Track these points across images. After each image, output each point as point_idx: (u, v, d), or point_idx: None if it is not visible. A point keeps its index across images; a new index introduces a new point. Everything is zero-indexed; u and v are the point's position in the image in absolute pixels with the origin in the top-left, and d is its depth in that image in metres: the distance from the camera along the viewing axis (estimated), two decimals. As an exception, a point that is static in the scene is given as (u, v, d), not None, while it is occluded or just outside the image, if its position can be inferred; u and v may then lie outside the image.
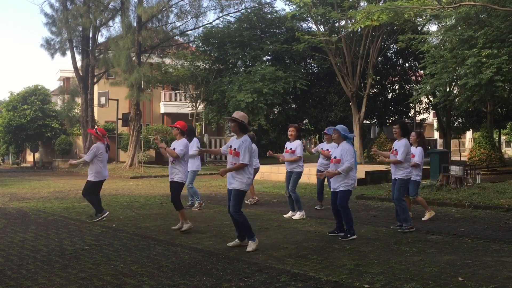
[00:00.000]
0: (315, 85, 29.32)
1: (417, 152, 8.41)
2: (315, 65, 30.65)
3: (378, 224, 8.32)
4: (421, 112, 31.37)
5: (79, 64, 27.06)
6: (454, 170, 12.37)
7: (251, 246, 6.19)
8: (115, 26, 36.42)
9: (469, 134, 39.77)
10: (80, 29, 26.31)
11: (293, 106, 30.08)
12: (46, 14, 26.66)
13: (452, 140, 28.94)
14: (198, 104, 28.55)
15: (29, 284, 4.80)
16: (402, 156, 7.60)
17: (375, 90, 28.90)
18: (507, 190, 11.58)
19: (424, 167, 9.00)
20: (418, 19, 21.79)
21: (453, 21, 17.15)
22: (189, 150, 9.87)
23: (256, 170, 10.62)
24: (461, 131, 31.42)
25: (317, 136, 31.56)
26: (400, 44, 21.34)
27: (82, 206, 10.78)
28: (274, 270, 5.22)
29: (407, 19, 19.66)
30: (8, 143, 33.85)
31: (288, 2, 26.90)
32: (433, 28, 30.74)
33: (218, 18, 29.07)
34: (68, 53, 26.73)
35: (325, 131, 9.56)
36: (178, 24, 25.92)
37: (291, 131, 9.17)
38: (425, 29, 24.77)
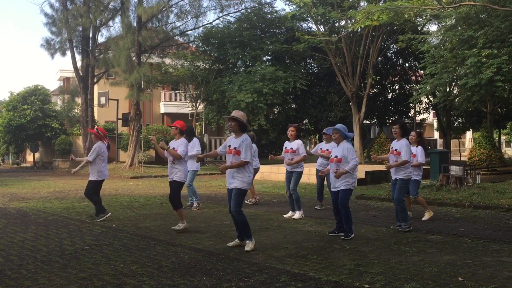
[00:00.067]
0: (315, 85, 29.33)
1: (418, 151, 8.46)
2: (315, 65, 30.65)
3: (378, 224, 8.32)
4: (421, 112, 31.37)
5: (79, 64, 27.06)
6: (454, 170, 12.37)
7: (249, 245, 6.20)
8: (115, 26, 36.43)
9: (469, 134, 39.78)
10: (80, 29, 26.30)
11: (293, 106, 30.09)
12: (46, 14, 26.67)
13: (452, 140, 28.95)
14: (198, 104, 28.56)
15: (29, 284, 4.80)
16: (408, 155, 7.65)
17: (375, 90, 28.90)
18: (507, 190, 11.58)
19: (424, 167, 9.02)
20: (418, 19, 21.79)
21: (453, 21, 17.14)
22: (191, 150, 9.91)
23: (256, 170, 10.63)
24: (461, 131, 31.42)
25: (317, 136, 31.56)
26: (400, 44, 21.34)
27: (82, 206, 10.78)
28: (274, 270, 5.22)
29: (407, 19, 19.67)
30: (8, 143, 33.86)
31: (288, 2, 26.91)
32: (433, 28, 30.77)
33: (218, 18, 29.11)
34: (68, 53, 26.75)
35: (324, 131, 9.56)
36: (178, 24, 25.96)
37: (290, 131, 9.16)
38: (425, 29, 24.77)
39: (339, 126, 7.25)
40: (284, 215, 9.15)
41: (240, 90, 24.00)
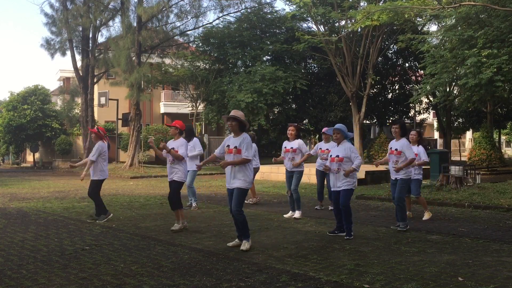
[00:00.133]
0: (315, 85, 29.32)
1: (420, 150, 8.55)
2: (315, 65, 30.64)
3: (378, 224, 8.32)
4: (421, 112, 31.35)
5: (79, 64, 27.06)
6: (454, 170, 12.37)
7: (245, 245, 6.21)
8: (115, 26, 36.45)
9: (469, 134, 39.77)
10: (80, 29, 26.31)
11: (293, 106, 30.08)
12: (46, 14, 26.68)
13: (452, 140, 28.93)
14: (198, 104, 28.56)
15: (29, 284, 4.80)
16: (413, 154, 7.72)
17: (375, 90, 28.89)
18: (507, 190, 11.58)
19: (424, 167, 9.05)
20: (418, 19, 21.78)
21: (453, 21, 17.14)
22: (192, 150, 9.93)
23: (256, 170, 10.62)
24: (461, 131, 31.41)
25: (317, 136, 31.56)
26: (400, 44, 21.34)
27: (82, 206, 10.78)
28: (274, 270, 5.22)
29: (407, 19, 19.65)
30: (8, 143, 33.86)
31: (288, 2, 26.90)
32: (433, 28, 30.79)
33: (218, 18, 29.11)
34: (68, 53, 26.75)
35: (324, 132, 9.56)
36: (178, 24, 25.97)
37: (290, 131, 9.16)
38: (425, 29, 24.77)
39: (340, 126, 7.27)
40: (284, 215, 9.15)
41: (240, 90, 24.00)
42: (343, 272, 5.16)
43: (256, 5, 27.39)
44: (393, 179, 7.81)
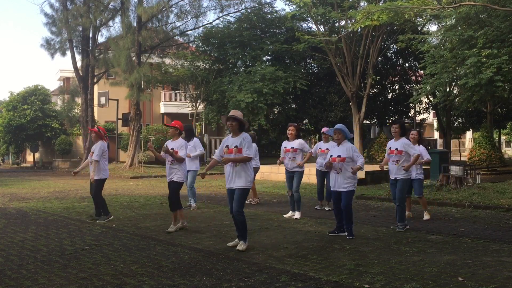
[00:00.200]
0: (315, 85, 29.32)
1: (421, 150, 8.62)
2: (315, 65, 30.64)
3: (378, 224, 8.32)
4: (421, 112, 31.35)
5: (79, 64, 27.06)
6: (454, 170, 12.37)
7: (241, 246, 6.21)
8: (115, 26, 36.45)
9: (469, 134, 39.75)
10: (80, 29, 26.31)
11: (293, 106, 30.07)
12: (46, 14, 26.68)
13: (452, 140, 28.92)
14: (198, 104, 28.56)
15: (29, 284, 4.80)
16: (417, 151, 7.87)
17: (375, 90, 28.88)
18: (507, 190, 11.59)
19: (424, 167, 9.07)
20: (418, 19, 21.77)
21: (453, 21, 17.13)
22: (192, 150, 9.93)
23: (256, 170, 10.62)
24: (461, 131, 31.39)
25: (317, 136, 31.55)
26: (400, 44, 21.34)
27: (82, 206, 10.79)
28: (274, 270, 5.22)
29: (407, 19, 19.65)
30: (8, 143, 33.86)
31: (288, 2, 26.90)
32: (433, 28, 30.75)
33: (218, 18, 29.11)
34: (68, 53, 26.76)
35: (325, 132, 9.54)
36: (178, 24, 25.98)
37: (290, 130, 9.15)
38: (425, 29, 24.76)
39: (341, 126, 7.27)
40: (284, 215, 9.15)
41: (240, 90, 24.00)
42: (343, 272, 5.16)
43: (256, 5, 27.40)
44: (393, 178, 7.80)
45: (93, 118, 26.98)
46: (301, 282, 4.77)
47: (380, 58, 26.11)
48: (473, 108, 23.20)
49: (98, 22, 25.73)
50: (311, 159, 10.00)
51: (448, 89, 21.44)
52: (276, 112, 29.50)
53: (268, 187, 14.87)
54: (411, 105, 28.85)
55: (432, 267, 5.34)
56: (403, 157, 7.64)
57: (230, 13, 27.01)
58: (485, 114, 25.21)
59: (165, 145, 7.63)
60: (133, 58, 23.79)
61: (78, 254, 6.04)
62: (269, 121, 28.00)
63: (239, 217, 6.21)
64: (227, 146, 6.33)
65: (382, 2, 22.24)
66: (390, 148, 7.83)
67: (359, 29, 22.60)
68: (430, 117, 39.12)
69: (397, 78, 30.27)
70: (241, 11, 27.21)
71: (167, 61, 28.33)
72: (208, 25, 27.11)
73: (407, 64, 29.85)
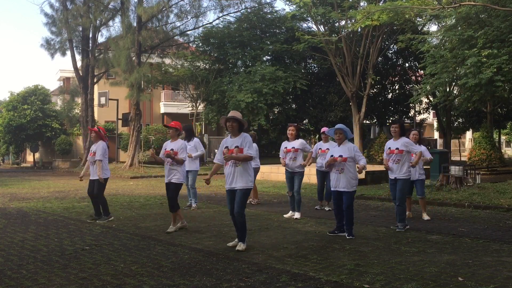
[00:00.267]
0: (315, 85, 29.32)
1: (423, 149, 8.70)
2: (315, 65, 30.63)
3: (378, 224, 8.31)
4: (421, 112, 31.34)
5: (79, 64, 27.06)
6: (454, 170, 12.37)
7: (241, 246, 6.21)
8: (115, 26, 36.49)
9: (469, 134, 39.74)
10: (80, 29, 26.32)
11: (293, 106, 30.08)
12: (46, 14, 26.71)
13: (452, 140, 28.92)
14: (198, 104, 28.56)
15: (29, 284, 4.80)
16: (419, 148, 7.99)
17: (375, 90, 28.88)
18: (507, 190, 11.58)
19: (424, 167, 9.08)
20: (418, 19, 21.78)
21: (453, 21, 17.14)
22: (193, 151, 9.93)
23: (257, 170, 10.62)
24: (461, 131, 31.38)
25: (317, 136, 31.55)
26: (400, 44, 21.34)
27: (82, 206, 10.79)
28: (274, 270, 5.22)
29: (407, 19, 19.65)
30: (8, 143, 33.86)
31: (288, 2, 26.91)
32: (433, 28, 30.72)
33: (218, 18, 29.12)
34: (68, 53, 26.77)
35: (325, 132, 9.53)
36: (178, 24, 25.99)
37: (291, 130, 9.14)
38: (425, 29, 24.76)
39: (342, 126, 7.27)
40: (284, 215, 9.15)
41: (240, 90, 24.00)
42: (343, 272, 5.15)
43: (256, 5, 27.40)
44: (392, 178, 7.79)
45: (93, 118, 26.99)
46: (301, 282, 4.77)
47: (380, 58, 26.11)
48: (473, 108, 23.18)
49: (98, 22, 25.74)
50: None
51: (448, 89, 21.43)
52: (276, 112, 29.50)
53: (268, 187, 14.87)
54: (411, 105, 28.86)
55: (432, 267, 5.34)
56: (404, 156, 7.64)
57: (230, 13, 27.06)
58: (485, 114, 25.21)
59: (163, 149, 7.62)
60: (133, 58, 23.79)
61: (78, 254, 6.04)
62: (269, 121, 28.00)
63: (240, 218, 6.20)
64: (227, 147, 6.32)
65: (382, 2, 22.25)
66: (389, 148, 7.82)
67: (359, 29, 22.60)
68: (430, 117, 39.11)
69: (397, 78, 30.27)
70: (241, 11, 27.24)
71: (167, 61, 28.34)
72: (208, 25, 27.14)
73: (407, 64, 29.85)
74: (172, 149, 7.61)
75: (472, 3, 14.39)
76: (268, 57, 29.07)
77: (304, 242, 6.72)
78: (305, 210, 9.69)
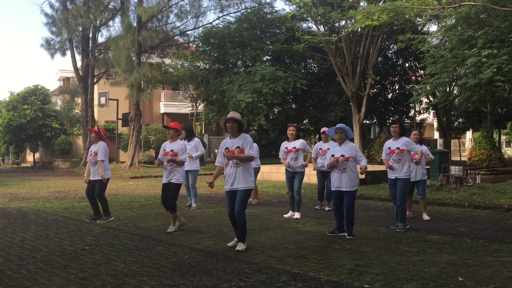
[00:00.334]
0: (315, 85, 29.31)
1: (424, 149, 8.72)
2: (315, 65, 30.62)
3: (378, 224, 8.31)
4: (421, 112, 31.34)
5: (79, 64, 27.06)
6: (454, 170, 12.37)
7: (241, 246, 6.21)
8: (115, 26, 36.52)
9: (469, 134, 39.74)
10: (80, 29, 26.32)
11: (293, 106, 30.07)
12: (46, 14, 26.72)
13: (452, 140, 28.91)
14: (198, 104, 28.56)
15: (29, 284, 4.80)
16: (419, 147, 8.05)
17: (375, 90, 28.88)
18: (507, 190, 11.58)
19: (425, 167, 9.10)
20: (418, 19, 21.77)
21: (453, 21, 17.14)
22: (194, 151, 9.94)
23: (257, 171, 10.62)
24: (461, 131, 31.38)
25: (317, 136, 31.55)
26: (400, 44, 21.34)
27: (82, 206, 10.79)
28: (274, 270, 5.22)
29: (407, 19, 19.65)
30: (8, 143, 33.87)
31: (288, 2, 26.90)
32: (433, 28, 30.72)
33: (218, 18, 29.11)
34: (68, 53, 26.77)
35: (326, 132, 9.52)
36: (178, 24, 26.00)
37: (291, 131, 9.13)
38: (425, 29, 24.76)
39: (343, 125, 7.27)
40: (284, 215, 9.15)
41: (240, 90, 24.00)
42: (343, 272, 5.15)
43: (256, 5, 27.40)
44: (392, 178, 7.78)
45: (93, 118, 26.99)
46: (301, 282, 4.77)
47: (380, 58, 26.11)
48: (473, 108, 23.18)
49: (98, 22, 25.75)
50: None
51: (448, 89, 21.43)
52: (276, 112, 29.50)
53: (268, 187, 14.87)
54: (411, 105, 28.85)
55: (432, 267, 5.34)
56: (404, 156, 7.64)
57: (230, 13, 27.06)
58: (485, 114, 25.20)
59: (162, 149, 7.63)
60: (133, 58, 23.79)
61: (78, 254, 6.04)
62: (269, 121, 27.99)
63: (241, 218, 6.18)
64: (227, 148, 6.30)
65: (382, 2, 22.24)
66: (389, 148, 7.81)
67: (359, 29, 22.60)
68: (430, 117, 39.11)
69: (397, 78, 30.26)
70: (241, 11, 27.23)
71: (167, 61, 28.34)
72: (208, 25, 27.14)
73: (407, 64, 29.84)
74: (172, 150, 7.60)
75: (472, 3, 14.39)
76: (268, 57, 29.06)
77: (304, 242, 6.72)
78: (305, 210, 9.69)
